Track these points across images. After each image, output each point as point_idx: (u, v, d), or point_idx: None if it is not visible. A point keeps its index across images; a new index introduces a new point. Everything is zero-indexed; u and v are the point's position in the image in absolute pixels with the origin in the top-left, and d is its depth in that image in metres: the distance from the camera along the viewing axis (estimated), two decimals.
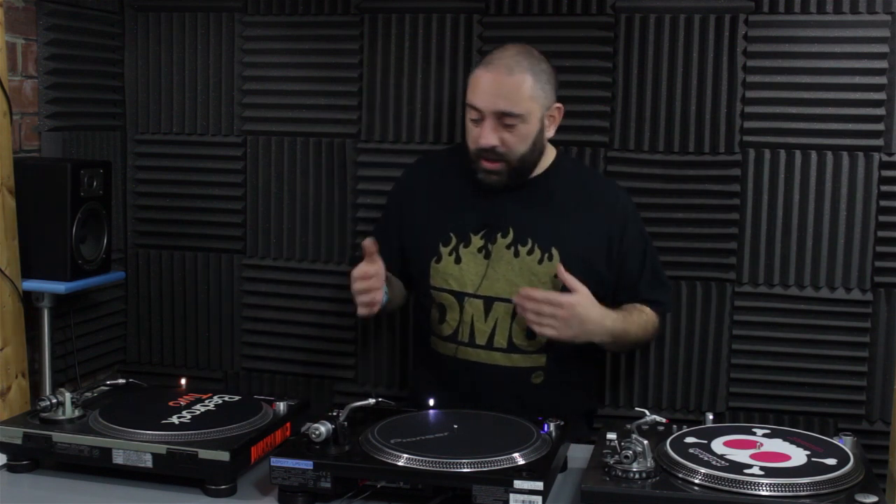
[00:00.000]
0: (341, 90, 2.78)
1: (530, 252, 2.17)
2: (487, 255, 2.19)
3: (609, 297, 2.22)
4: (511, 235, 2.19)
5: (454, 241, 2.21)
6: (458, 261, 2.20)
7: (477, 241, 2.20)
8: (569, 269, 2.13)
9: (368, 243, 2.05)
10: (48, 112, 2.64)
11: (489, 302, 2.18)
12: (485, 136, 2.10)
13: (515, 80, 2.10)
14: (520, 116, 2.10)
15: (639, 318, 2.22)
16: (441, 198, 2.28)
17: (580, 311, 2.04)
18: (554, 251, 2.17)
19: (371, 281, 2.04)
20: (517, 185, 2.20)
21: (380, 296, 2.07)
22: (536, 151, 2.18)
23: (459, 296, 2.20)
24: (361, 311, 2.08)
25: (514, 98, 2.10)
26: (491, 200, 2.21)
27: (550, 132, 2.21)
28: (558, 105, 2.21)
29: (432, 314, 2.26)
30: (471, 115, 2.14)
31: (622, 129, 2.62)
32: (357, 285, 2.06)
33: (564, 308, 2.02)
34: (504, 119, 2.10)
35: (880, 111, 2.47)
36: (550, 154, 2.28)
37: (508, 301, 2.15)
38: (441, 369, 2.27)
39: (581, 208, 2.23)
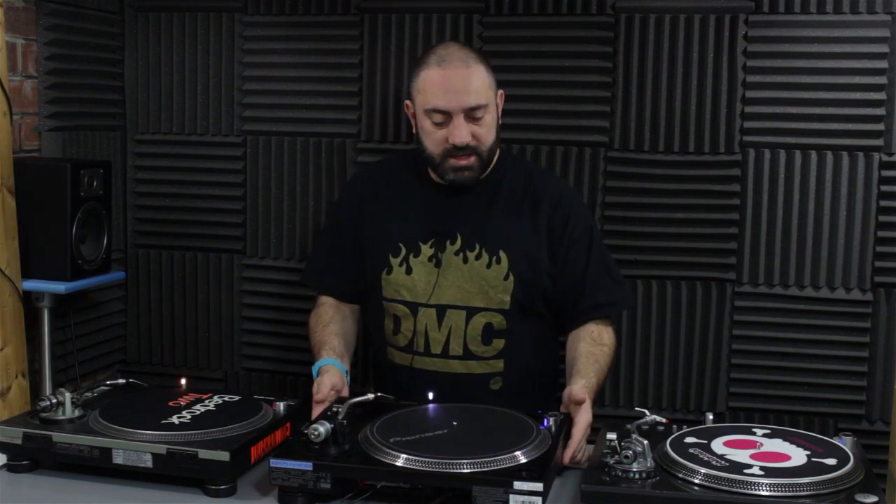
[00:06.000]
0: (341, 90, 2.78)
1: (478, 257, 2.14)
2: (438, 264, 2.16)
3: (558, 295, 2.18)
4: (459, 242, 2.15)
5: (404, 251, 2.17)
6: (408, 271, 2.17)
7: (427, 250, 2.17)
8: (517, 269, 2.13)
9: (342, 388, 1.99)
10: (48, 112, 2.64)
11: (441, 310, 2.15)
12: (459, 134, 2.06)
13: (472, 70, 2.08)
14: (485, 107, 2.08)
15: (605, 360, 2.11)
16: (388, 209, 2.24)
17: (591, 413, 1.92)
18: (502, 254, 2.14)
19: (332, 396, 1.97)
20: (477, 185, 2.16)
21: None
22: (497, 140, 2.17)
23: (412, 306, 2.17)
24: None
25: (478, 89, 2.07)
26: (438, 208, 2.18)
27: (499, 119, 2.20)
28: (500, 91, 2.19)
29: (386, 325, 2.23)
30: (433, 118, 2.09)
31: (622, 129, 2.62)
32: (326, 397, 1.97)
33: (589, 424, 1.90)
34: (473, 112, 2.08)
35: (880, 111, 2.48)
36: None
37: (461, 308, 2.14)
38: (399, 380, 2.23)
39: (525, 207, 2.19)
